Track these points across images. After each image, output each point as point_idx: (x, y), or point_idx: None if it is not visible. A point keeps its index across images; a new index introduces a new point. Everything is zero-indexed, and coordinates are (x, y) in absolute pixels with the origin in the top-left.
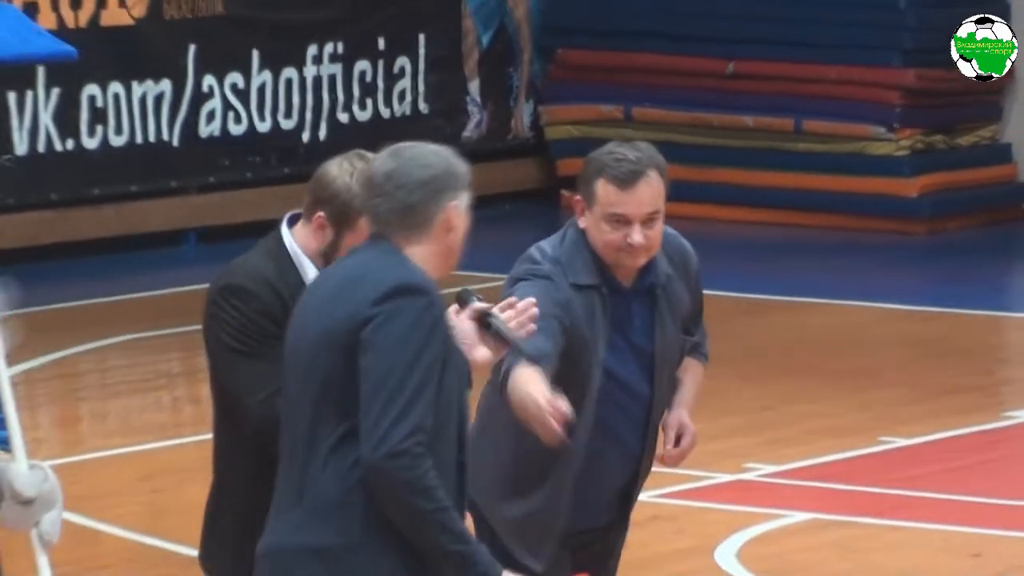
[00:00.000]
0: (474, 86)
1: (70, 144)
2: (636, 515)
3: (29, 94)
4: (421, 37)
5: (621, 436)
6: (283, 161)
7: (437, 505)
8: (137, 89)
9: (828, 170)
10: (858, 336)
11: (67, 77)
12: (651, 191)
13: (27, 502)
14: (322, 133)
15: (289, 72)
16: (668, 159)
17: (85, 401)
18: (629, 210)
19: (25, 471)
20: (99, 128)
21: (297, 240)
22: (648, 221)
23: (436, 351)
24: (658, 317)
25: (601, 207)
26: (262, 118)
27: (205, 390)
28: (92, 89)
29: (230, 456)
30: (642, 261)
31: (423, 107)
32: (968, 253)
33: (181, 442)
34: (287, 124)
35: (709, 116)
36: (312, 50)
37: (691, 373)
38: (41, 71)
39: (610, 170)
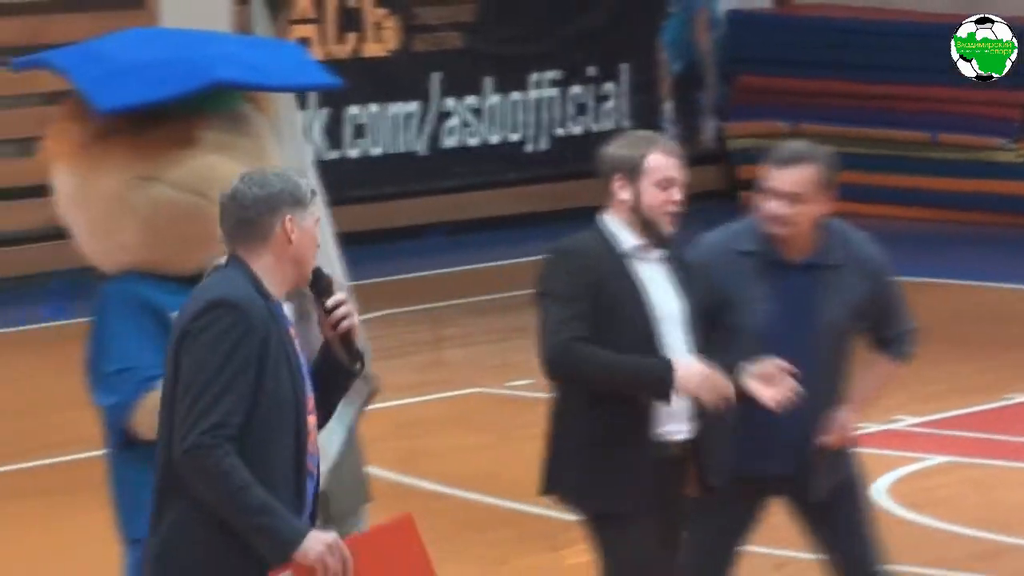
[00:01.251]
0: (668, 107)
1: (335, 154)
2: None
3: (301, 114)
4: (624, 66)
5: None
6: (510, 168)
7: (236, 485)
8: (390, 109)
9: (962, 175)
10: (996, 311)
11: (334, 99)
12: (797, 175)
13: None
14: (542, 145)
15: (515, 95)
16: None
17: None
18: (775, 184)
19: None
20: (359, 141)
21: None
22: (790, 199)
23: (241, 361)
24: (820, 294)
25: (761, 182)
26: (493, 132)
27: (448, 355)
28: (354, 109)
29: (566, 387)
30: (780, 231)
31: (625, 124)
32: None
33: (428, 398)
34: (513, 137)
35: (863, 130)
36: (534, 77)
37: (876, 369)
38: (313, 95)
39: (774, 153)
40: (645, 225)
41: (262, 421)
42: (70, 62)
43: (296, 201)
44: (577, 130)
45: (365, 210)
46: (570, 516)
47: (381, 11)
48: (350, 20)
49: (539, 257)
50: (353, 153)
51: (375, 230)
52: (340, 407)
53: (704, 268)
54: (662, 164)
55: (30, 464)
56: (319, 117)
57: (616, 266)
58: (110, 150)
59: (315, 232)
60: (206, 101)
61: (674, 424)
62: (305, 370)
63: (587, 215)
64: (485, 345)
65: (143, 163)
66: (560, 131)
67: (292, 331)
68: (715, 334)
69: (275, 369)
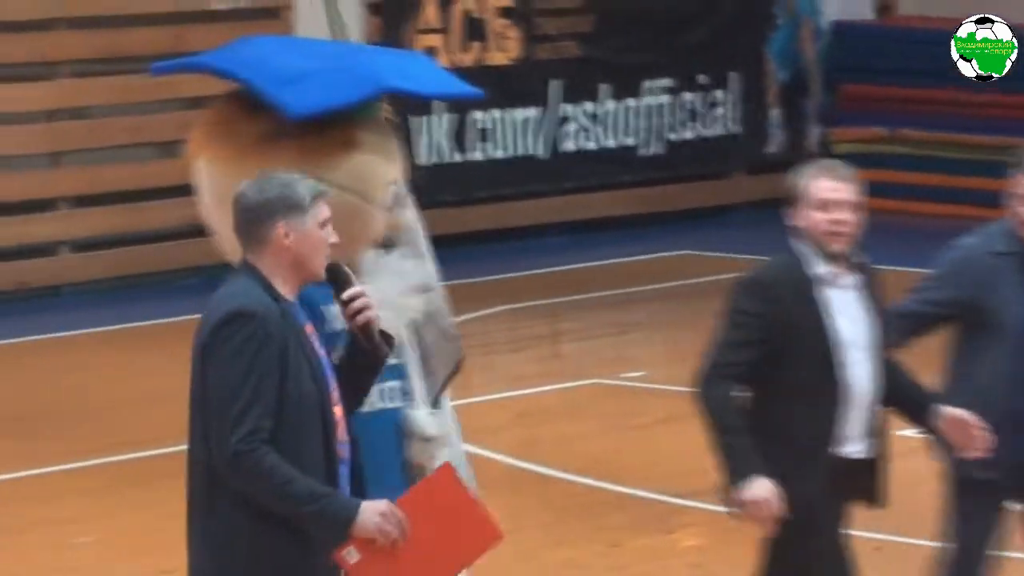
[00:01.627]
0: (774, 113)
1: (460, 157)
2: None
3: (425, 119)
4: (734, 75)
5: None
6: (625, 170)
7: (281, 481)
8: (512, 114)
9: None
10: None
11: (459, 105)
12: None
13: (428, 439)
14: (655, 149)
15: (630, 101)
16: (926, 169)
17: (471, 357)
18: None
19: (425, 414)
20: (483, 145)
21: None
22: None
23: (263, 368)
24: None
25: (1015, 191)
26: (609, 137)
27: (565, 348)
28: (478, 114)
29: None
30: None
31: (734, 129)
32: None
33: (546, 389)
34: (628, 141)
35: (963, 136)
36: (648, 84)
37: None
38: (438, 101)
39: None
40: (818, 248)
41: (290, 421)
42: (233, 67)
43: (290, 207)
44: (688, 135)
45: (488, 210)
46: (681, 500)
47: (504, 22)
48: (474, 30)
49: (661, 255)
50: (477, 156)
51: (497, 229)
52: (427, 380)
53: (959, 269)
54: (821, 187)
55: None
56: (445, 122)
57: (803, 291)
58: (278, 152)
59: (318, 233)
60: (359, 107)
61: (853, 443)
62: (326, 364)
63: (696, 216)
64: (600, 339)
65: (310, 165)
66: (672, 136)
67: (309, 328)
68: (971, 336)
69: (296, 370)
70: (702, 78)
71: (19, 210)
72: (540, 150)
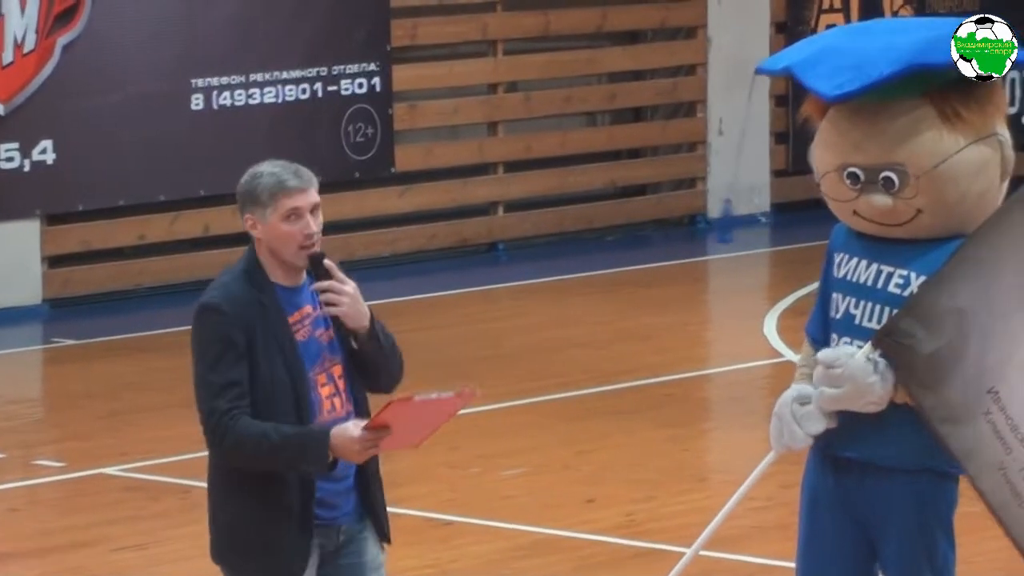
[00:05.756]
0: None
1: None
2: None
3: None
4: None
5: None
6: None
7: (253, 443)
8: None
9: None
10: None
11: None
12: None
13: (835, 370)
14: None
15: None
16: None
17: None
18: None
19: (862, 358)
20: None
21: None
22: None
23: (228, 355)
24: None
25: None
26: None
27: None
28: None
29: None
30: None
31: None
32: None
33: None
34: None
35: None
36: None
37: None
38: None
39: None
40: None
41: (262, 401)
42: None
43: (250, 201)
44: None
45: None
46: None
47: (898, 1)
48: (872, 9)
49: None
50: None
51: None
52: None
53: None
54: None
55: (605, 388)
56: None
57: None
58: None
59: (281, 227)
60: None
61: None
62: (309, 350)
63: None
64: None
65: None
66: None
67: (296, 315)
68: None
69: (266, 356)
70: None
71: (460, 174)
72: None
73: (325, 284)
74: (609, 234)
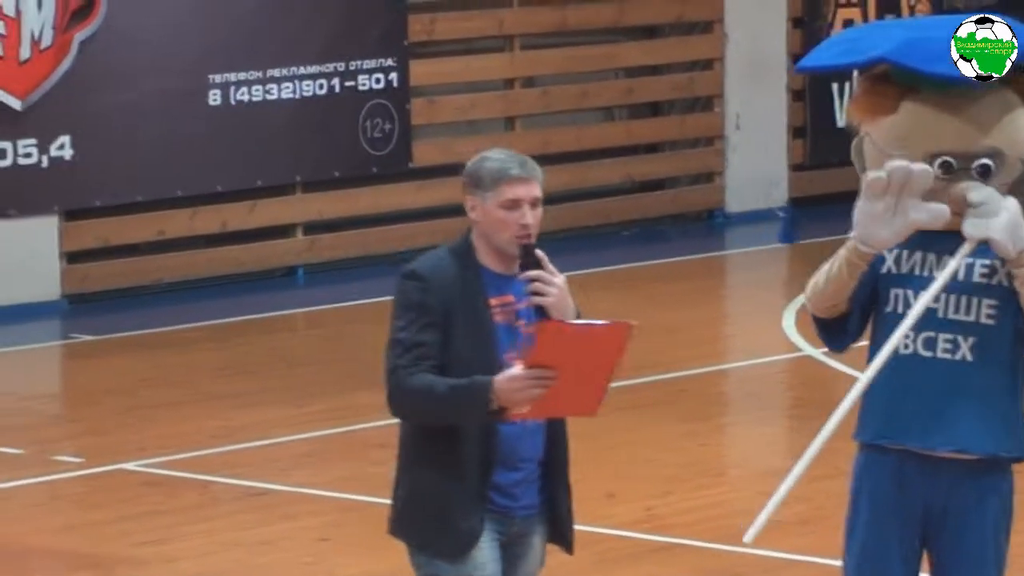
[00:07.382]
0: None
1: None
2: None
3: None
4: None
5: None
6: None
7: (421, 395)
8: None
9: None
10: None
11: None
12: None
13: (975, 206)
14: None
15: None
16: None
17: None
18: None
19: (976, 186)
20: None
21: None
22: None
23: (419, 319)
24: None
25: None
26: None
27: None
28: None
29: None
30: None
31: None
32: None
33: None
34: None
35: None
36: None
37: None
38: None
39: None
40: None
41: (452, 371)
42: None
43: (474, 184)
44: None
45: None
46: None
47: None
48: (889, 2)
49: None
50: None
51: None
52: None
53: None
54: None
55: (623, 383)
56: None
57: None
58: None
59: (497, 213)
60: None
61: None
62: (508, 334)
63: None
64: None
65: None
66: None
67: (496, 300)
68: None
69: (463, 331)
70: None
71: None
72: None
73: (535, 273)
74: (626, 229)
